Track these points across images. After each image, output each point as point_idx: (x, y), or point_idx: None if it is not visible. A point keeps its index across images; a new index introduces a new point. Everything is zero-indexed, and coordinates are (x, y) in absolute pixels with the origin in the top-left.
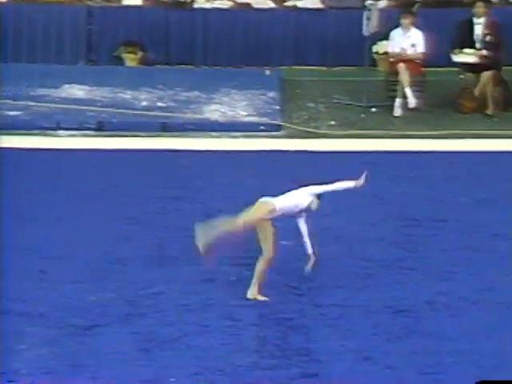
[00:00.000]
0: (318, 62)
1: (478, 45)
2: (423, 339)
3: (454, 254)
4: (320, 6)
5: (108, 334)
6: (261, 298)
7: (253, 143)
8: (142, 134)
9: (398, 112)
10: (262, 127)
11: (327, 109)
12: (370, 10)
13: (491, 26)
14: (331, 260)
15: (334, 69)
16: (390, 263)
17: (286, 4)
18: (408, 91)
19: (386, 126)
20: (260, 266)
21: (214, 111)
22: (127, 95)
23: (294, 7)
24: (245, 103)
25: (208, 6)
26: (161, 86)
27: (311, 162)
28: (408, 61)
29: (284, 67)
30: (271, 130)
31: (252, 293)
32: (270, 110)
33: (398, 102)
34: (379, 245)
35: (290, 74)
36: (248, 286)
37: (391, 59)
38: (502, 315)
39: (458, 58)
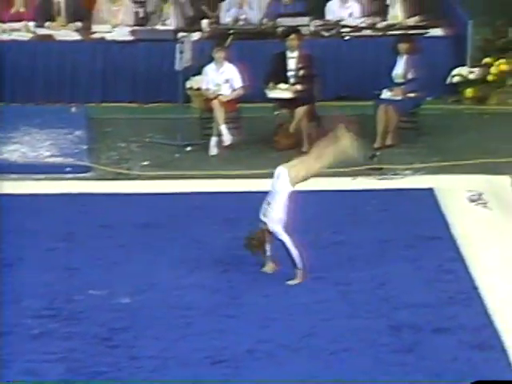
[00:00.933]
0: (129, 98)
1: (292, 79)
2: None
3: (274, 300)
4: (130, 37)
5: None
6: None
7: (58, 186)
8: None
9: (213, 151)
10: (68, 168)
11: (140, 148)
12: (182, 42)
13: (304, 60)
14: (147, 308)
15: (146, 106)
16: (210, 311)
17: (92, 36)
18: (223, 129)
19: (202, 165)
20: None
21: (13, 151)
22: None
23: (102, 39)
24: (48, 143)
25: (4, 37)
26: None
27: (123, 205)
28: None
29: (91, 104)
30: (78, 171)
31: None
32: (76, 150)
33: (213, 140)
34: (198, 292)
35: (98, 111)
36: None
37: (206, 96)
38: (323, 362)
39: (272, 93)
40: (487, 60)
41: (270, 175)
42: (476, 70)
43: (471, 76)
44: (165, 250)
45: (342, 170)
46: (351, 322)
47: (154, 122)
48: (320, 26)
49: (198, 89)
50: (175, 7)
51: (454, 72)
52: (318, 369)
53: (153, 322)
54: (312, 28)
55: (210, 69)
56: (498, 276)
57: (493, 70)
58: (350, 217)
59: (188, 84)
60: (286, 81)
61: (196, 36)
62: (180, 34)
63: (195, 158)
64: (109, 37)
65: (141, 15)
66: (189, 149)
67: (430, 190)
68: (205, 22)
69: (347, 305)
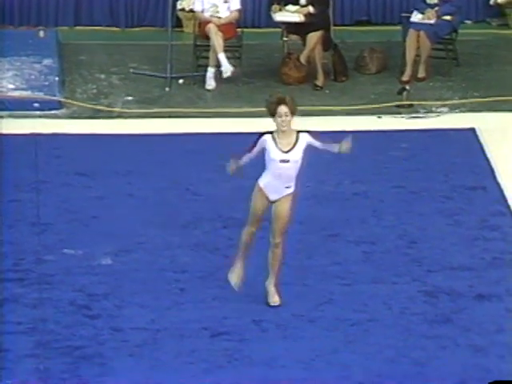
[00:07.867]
0: (108, 21)
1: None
2: (251, 367)
3: (285, 261)
4: None
5: None
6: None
7: (24, 125)
8: None
9: (210, 84)
10: (36, 104)
11: (122, 81)
12: None
13: None
14: (133, 271)
15: (128, 30)
16: (208, 274)
17: None
18: (222, 58)
19: (197, 101)
20: None
21: None
22: None
23: None
24: (12, 73)
25: None
26: None
27: (103, 148)
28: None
29: (63, 27)
30: (49, 107)
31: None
32: (46, 83)
33: (210, 71)
34: (193, 252)
35: (71, 36)
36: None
37: (200, 19)
38: (344, 335)
39: (279, 16)
40: None
41: None
42: None
43: None
44: (153, 203)
45: (364, 106)
46: (376, 288)
47: (139, 49)
48: None
49: (191, 10)
50: None
51: None
52: (337, 342)
53: (139, 287)
54: None
55: None
56: None
57: None
58: (374, 163)
59: (179, 4)
60: (295, 1)
61: None
62: None
63: (188, 93)
64: None
65: None
66: (181, 82)
67: (472, 130)
68: None
69: (371, 267)
